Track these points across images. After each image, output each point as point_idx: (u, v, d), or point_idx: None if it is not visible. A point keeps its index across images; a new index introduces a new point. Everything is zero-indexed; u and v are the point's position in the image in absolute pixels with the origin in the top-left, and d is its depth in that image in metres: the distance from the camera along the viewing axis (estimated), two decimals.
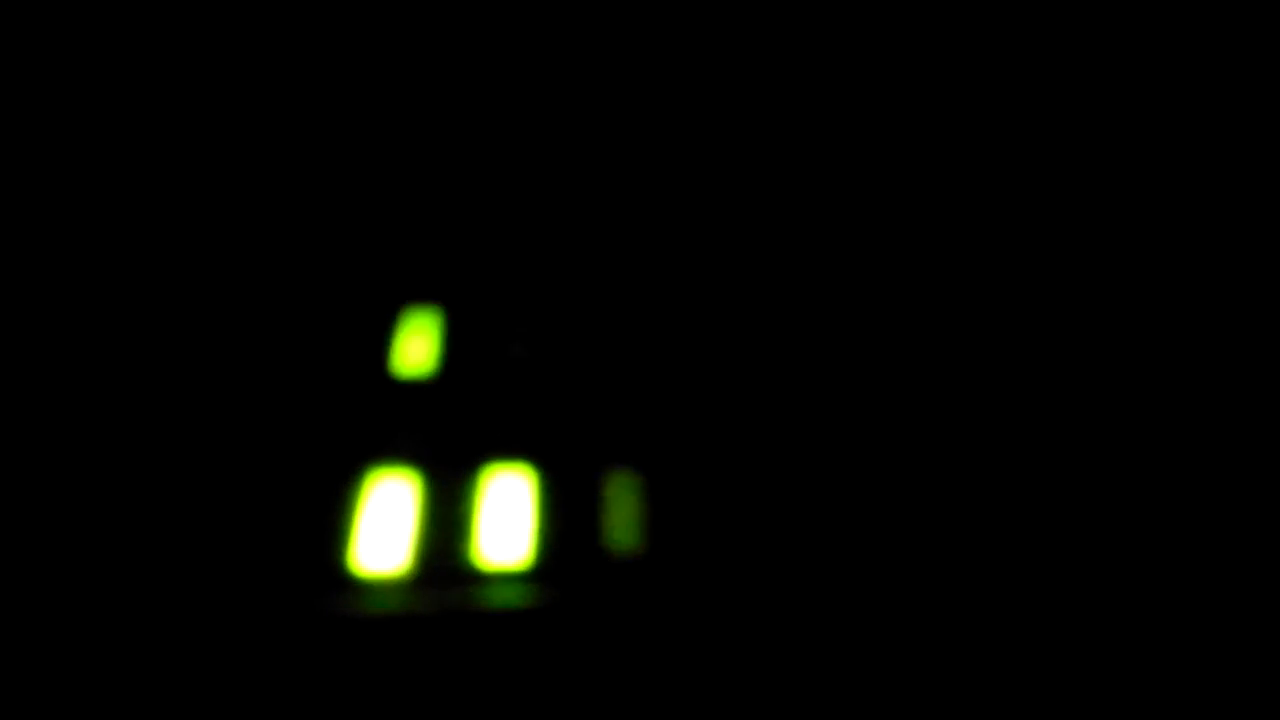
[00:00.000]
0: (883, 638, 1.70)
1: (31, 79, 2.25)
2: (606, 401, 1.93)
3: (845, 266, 2.16)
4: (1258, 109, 2.34)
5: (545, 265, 2.16)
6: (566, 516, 1.78)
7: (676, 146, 2.35)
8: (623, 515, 1.78)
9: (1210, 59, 2.40)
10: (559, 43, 2.42)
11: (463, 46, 2.42)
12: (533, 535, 1.75)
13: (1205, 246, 2.18)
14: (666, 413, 1.92)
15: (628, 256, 2.17)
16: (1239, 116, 2.34)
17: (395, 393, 1.94)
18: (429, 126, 2.36)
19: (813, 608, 1.71)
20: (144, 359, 1.96)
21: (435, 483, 1.81)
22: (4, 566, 1.67)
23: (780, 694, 1.64)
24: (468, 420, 1.91)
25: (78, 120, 2.27)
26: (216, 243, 2.15)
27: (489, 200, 2.26)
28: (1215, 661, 1.67)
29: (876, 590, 1.74)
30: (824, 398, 1.95)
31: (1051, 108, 2.39)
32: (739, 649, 1.66)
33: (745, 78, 2.43)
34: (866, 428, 1.91)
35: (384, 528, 1.75)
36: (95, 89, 2.29)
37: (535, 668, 1.63)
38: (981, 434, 1.92)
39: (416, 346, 2.03)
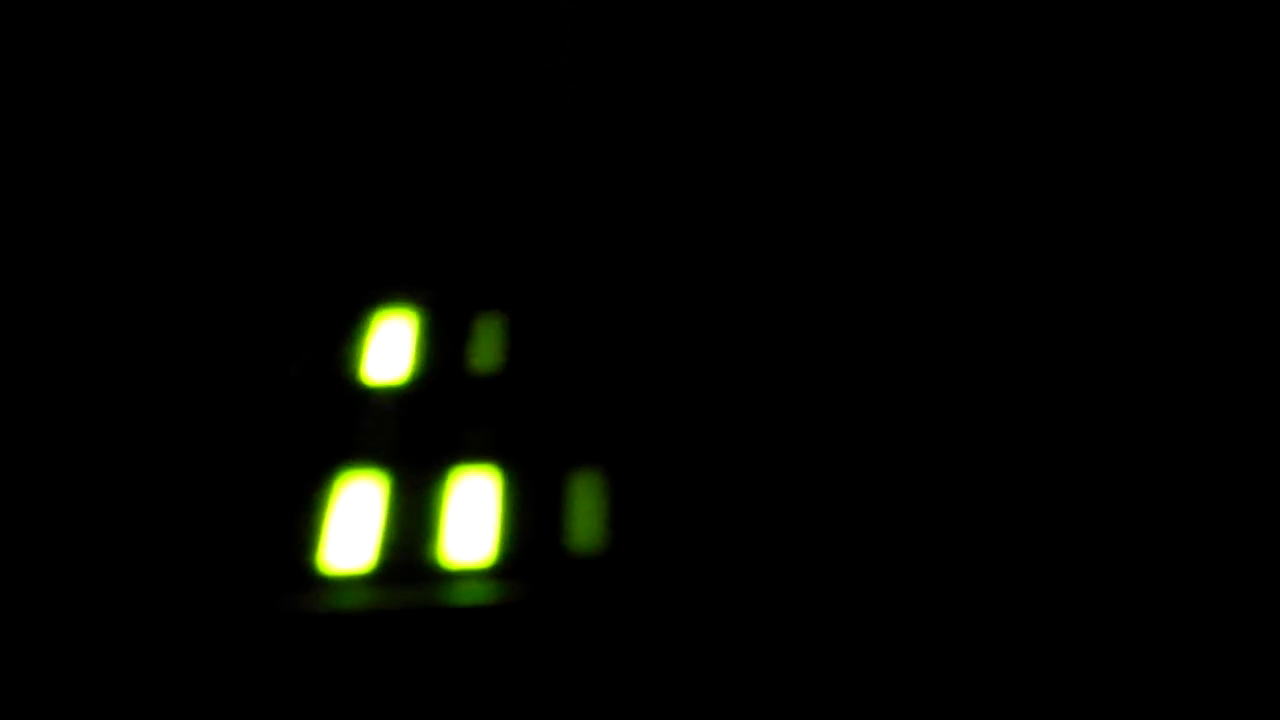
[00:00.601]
0: (850, 636, 1.73)
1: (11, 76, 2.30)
2: (570, 403, 1.97)
3: (809, 264, 2.20)
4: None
5: (510, 268, 2.20)
6: (530, 516, 1.82)
7: (636, 147, 2.40)
8: (585, 515, 1.82)
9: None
10: (517, 40, 2.48)
11: (423, 47, 2.48)
12: (497, 534, 1.79)
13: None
14: (630, 414, 1.96)
15: (590, 259, 2.22)
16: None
17: (364, 397, 1.99)
18: (395, 133, 2.41)
19: (777, 607, 1.74)
20: (116, 360, 2.00)
21: (403, 484, 1.85)
22: None
23: (743, 692, 1.67)
24: (436, 425, 1.95)
25: (62, 121, 2.32)
26: (191, 245, 2.19)
27: (455, 204, 2.31)
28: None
29: (844, 589, 1.78)
30: (788, 398, 1.99)
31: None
32: (702, 647, 1.70)
33: (705, 72, 2.48)
34: (834, 427, 1.95)
35: (351, 527, 1.79)
36: (77, 89, 2.34)
37: (499, 662, 1.66)
38: (957, 430, 1.96)
39: (386, 352, 2.07)
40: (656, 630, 1.71)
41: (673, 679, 1.67)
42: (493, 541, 1.78)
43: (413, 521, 1.80)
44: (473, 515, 1.81)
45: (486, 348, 2.09)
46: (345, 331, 2.10)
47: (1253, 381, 2.01)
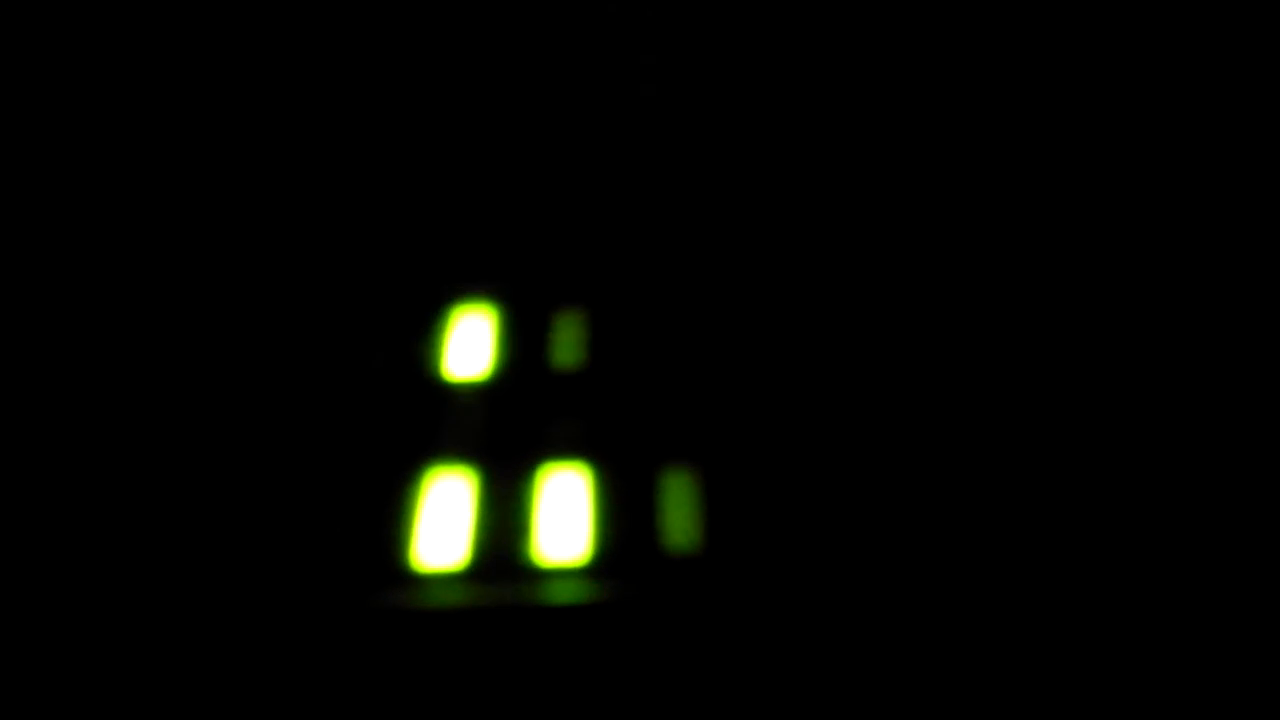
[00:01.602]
0: (938, 634, 1.68)
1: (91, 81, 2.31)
2: (661, 400, 1.94)
3: (898, 268, 2.16)
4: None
5: (598, 266, 2.18)
6: (624, 514, 1.78)
7: (727, 150, 2.37)
8: (680, 513, 1.78)
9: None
10: (605, 42, 2.46)
11: (507, 47, 2.47)
12: (590, 532, 1.75)
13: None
14: (722, 411, 1.92)
15: (681, 257, 2.19)
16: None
17: (451, 393, 1.96)
18: (482, 133, 2.40)
19: (868, 605, 1.70)
20: (209, 361, 1.99)
21: (492, 480, 1.82)
22: (59, 556, 1.70)
23: (835, 690, 1.63)
24: (524, 419, 1.92)
25: (134, 118, 2.33)
26: (282, 251, 2.19)
27: (541, 203, 2.29)
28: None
29: (932, 588, 1.73)
30: (880, 397, 1.95)
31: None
32: (796, 645, 1.65)
33: (820, 84, 2.45)
34: (923, 426, 1.91)
35: (443, 524, 1.77)
36: (158, 86, 2.35)
37: (593, 662, 1.62)
38: (1044, 424, 1.91)
39: (470, 348, 2.05)
40: (752, 629, 1.67)
41: (770, 678, 1.63)
42: (586, 539, 1.74)
43: (504, 518, 1.77)
44: (565, 512, 1.78)
45: (569, 343, 2.06)
46: (426, 327, 2.07)
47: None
